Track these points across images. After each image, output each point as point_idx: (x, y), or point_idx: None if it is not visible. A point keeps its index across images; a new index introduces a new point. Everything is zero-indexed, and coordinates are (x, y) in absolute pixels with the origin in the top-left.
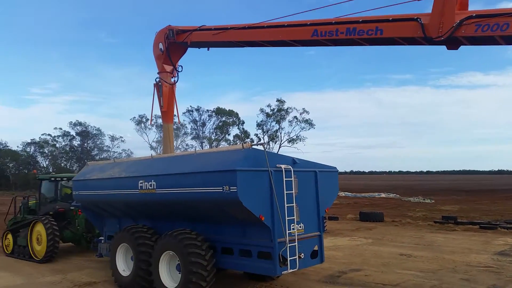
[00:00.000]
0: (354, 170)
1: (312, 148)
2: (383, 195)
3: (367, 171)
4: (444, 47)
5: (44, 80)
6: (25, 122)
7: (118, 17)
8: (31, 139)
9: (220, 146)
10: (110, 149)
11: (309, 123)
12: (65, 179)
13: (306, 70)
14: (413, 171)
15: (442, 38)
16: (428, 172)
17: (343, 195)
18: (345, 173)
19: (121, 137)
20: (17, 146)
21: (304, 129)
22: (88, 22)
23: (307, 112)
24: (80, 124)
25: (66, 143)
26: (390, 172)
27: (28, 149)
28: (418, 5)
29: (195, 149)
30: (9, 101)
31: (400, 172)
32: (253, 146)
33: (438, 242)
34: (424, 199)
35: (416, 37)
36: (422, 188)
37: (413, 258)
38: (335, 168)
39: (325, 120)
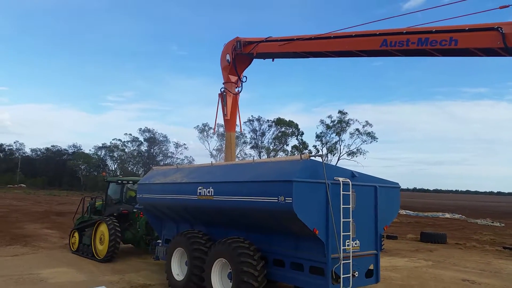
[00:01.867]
0: (417, 187)
1: (373, 162)
2: (447, 215)
3: (431, 189)
4: None
5: (119, 89)
6: (99, 127)
7: (188, 30)
8: (103, 144)
9: (278, 156)
10: (174, 155)
11: (371, 136)
12: (131, 182)
13: (372, 81)
14: (482, 191)
15: None
16: (499, 193)
17: (404, 213)
18: (408, 190)
19: (184, 144)
20: (89, 150)
21: (365, 142)
22: (161, 35)
23: (370, 125)
24: (148, 130)
25: (134, 148)
26: (456, 191)
27: (99, 153)
28: (499, 13)
29: (253, 158)
30: (87, 107)
31: (467, 192)
32: (311, 157)
33: (508, 270)
34: (492, 222)
35: (496, 48)
36: (492, 210)
37: (477, 285)
38: (397, 183)
39: (390, 133)
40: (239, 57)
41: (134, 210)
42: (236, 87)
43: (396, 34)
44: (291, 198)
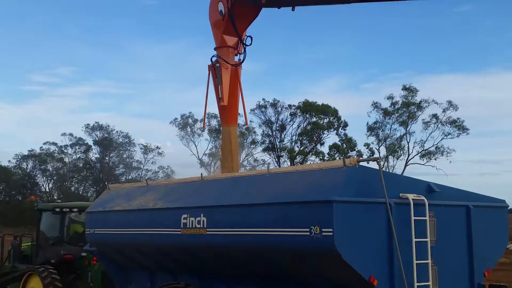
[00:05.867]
0: None
1: (463, 168)
2: None
3: None
4: None
5: (51, 64)
6: (22, 125)
7: None
8: (29, 151)
9: (308, 162)
10: (142, 166)
11: (459, 125)
12: (75, 210)
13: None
14: None
15: None
16: None
17: None
18: None
19: (158, 147)
20: (9, 161)
21: (449, 136)
22: None
23: (456, 108)
24: (100, 128)
25: (79, 156)
26: None
27: (24, 165)
28: None
29: (268, 166)
30: (2, 94)
31: None
32: (362, 163)
33: None
34: None
35: None
36: None
37: None
38: (504, 201)
39: (489, 121)
40: (239, 4)
41: (83, 254)
42: (236, 54)
43: None
44: (331, 230)
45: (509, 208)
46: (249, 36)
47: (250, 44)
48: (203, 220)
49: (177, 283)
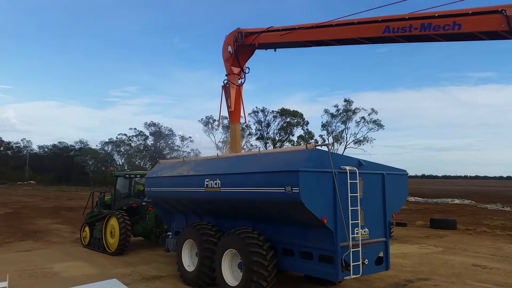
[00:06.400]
0: (426, 174)
1: (380, 150)
2: (457, 201)
3: (440, 175)
4: None
5: (123, 84)
6: (104, 122)
7: (190, 22)
8: (109, 139)
9: (284, 146)
10: (180, 149)
11: (378, 123)
12: (138, 176)
13: (377, 69)
14: (492, 176)
15: None
16: (508, 178)
17: (413, 200)
18: (416, 177)
19: (190, 137)
20: (96, 145)
21: (372, 130)
22: (162, 28)
23: (376, 112)
24: (154, 124)
25: (140, 142)
26: (465, 177)
27: (106, 148)
28: None
29: (259, 149)
30: (91, 102)
31: (477, 177)
32: (317, 147)
33: None
34: (503, 207)
35: (500, 31)
36: (501, 194)
37: (489, 270)
38: (405, 171)
39: (396, 120)
40: (241, 48)
41: (143, 203)
42: (239, 79)
43: (398, 20)
44: (298, 188)
45: (408, 175)
46: (247, 67)
47: (248, 72)
48: (219, 182)
49: (201, 221)
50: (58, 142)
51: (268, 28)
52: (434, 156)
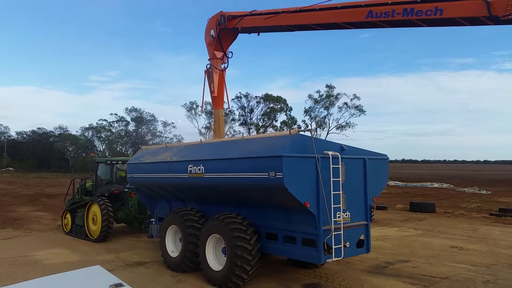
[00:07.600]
0: (406, 159)
1: (362, 135)
2: (435, 185)
3: (419, 160)
4: (511, 27)
5: (103, 68)
6: (84, 108)
7: (172, 5)
8: (89, 124)
9: (267, 132)
10: (162, 135)
11: (360, 109)
12: (120, 162)
13: (360, 54)
14: (469, 160)
15: (510, 17)
16: (485, 162)
17: (393, 184)
18: (396, 161)
19: (172, 123)
20: (76, 131)
21: (354, 116)
22: (143, 12)
23: (358, 98)
24: (135, 110)
25: (121, 128)
26: (444, 161)
27: (86, 134)
28: None
29: (242, 135)
30: (71, 88)
31: (455, 161)
32: (300, 132)
33: (494, 235)
34: (479, 190)
35: (480, 17)
36: (478, 178)
37: (465, 251)
38: (386, 155)
39: (378, 106)
40: (224, 32)
41: (125, 189)
42: (222, 63)
43: (381, 5)
44: (281, 173)
45: (388, 159)
46: (230, 51)
47: (231, 57)
48: (202, 168)
49: (185, 207)
50: (37, 128)
51: (251, 11)
52: (414, 141)
